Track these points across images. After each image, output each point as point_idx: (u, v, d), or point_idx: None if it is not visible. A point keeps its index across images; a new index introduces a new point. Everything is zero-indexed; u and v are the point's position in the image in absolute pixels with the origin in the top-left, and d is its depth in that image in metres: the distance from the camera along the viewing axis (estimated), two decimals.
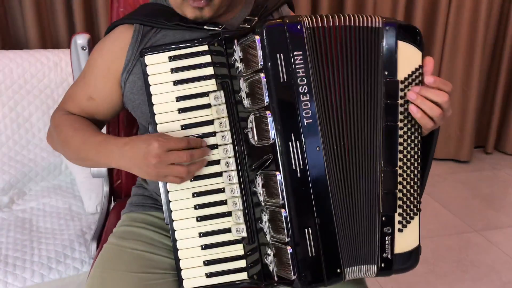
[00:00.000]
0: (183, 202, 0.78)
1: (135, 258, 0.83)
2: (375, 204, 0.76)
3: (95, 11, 1.97)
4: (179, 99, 0.78)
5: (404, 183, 0.77)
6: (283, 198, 0.71)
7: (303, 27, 0.71)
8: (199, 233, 0.78)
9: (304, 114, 0.72)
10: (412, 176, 0.77)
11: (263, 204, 0.75)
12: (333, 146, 0.73)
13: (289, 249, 0.72)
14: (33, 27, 1.85)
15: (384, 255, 0.76)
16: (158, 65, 0.78)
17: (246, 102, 0.74)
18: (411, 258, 0.79)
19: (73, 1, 1.90)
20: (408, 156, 0.76)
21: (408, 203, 0.77)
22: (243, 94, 0.74)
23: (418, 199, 0.78)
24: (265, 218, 0.75)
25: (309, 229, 0.72)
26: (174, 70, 0.78)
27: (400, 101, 0.76)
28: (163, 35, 0.86)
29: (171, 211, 0.78)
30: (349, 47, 0.74)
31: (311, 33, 0.72)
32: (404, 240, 0.77)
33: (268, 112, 0.71)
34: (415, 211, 0.78)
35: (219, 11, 0.84)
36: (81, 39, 1.10)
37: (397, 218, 0.77)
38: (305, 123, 0.71)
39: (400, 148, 0.76)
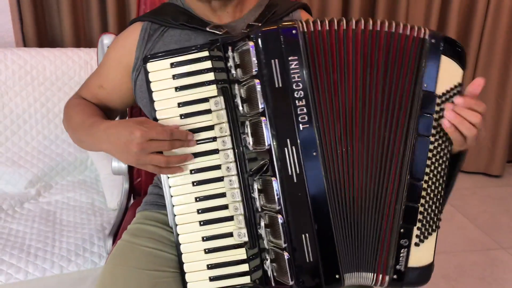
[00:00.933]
0: (186, 206, 0.79)
1: (145, 255, 0.85)
2: (388, 213, 0.75)
3: (128, 12, 2.02)
4: (181, 104, 0.79)
5: (427, 198, 0.76)
6: (279, 204, 0.72)
7: (298, 32, 0.71)
8: (202, 237, 0.79)
9: (300, 119, 0.71)
10: (436, 192, 0.76)
11: (260, 209, 0.75)
12: (334, 151, 0.73)
13: (286, 255, 0.72)
14: (69, 27, 1.92)
15: (397, 267, 0.75)
16: (160, 71, 0.79)
17: (242, 108, 0.75)
18: (424, 274, 0.77)
19: (108, 2, 1.95)
20: (435, 172, 0.76)
21: (428, 218, 0.76)
22: (239, 99, 0.75)
23: (439, 216, 0.77)
24: (263, 223, 0.75)
25: (307, 234, 0.72)
26: (175, 77, 0.79)
27: (435, 116, 0.75)
28: (170, 35, 0.90)
29: (175, 215, 0.79)
30: (372, 53, 0.73)
31: (308, 37, 0.72)
32: (420, 255, 0.76)
33: (263, 118, 0.72)
34: (434, 227, 0.77)
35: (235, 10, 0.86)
36: (107, 39, 1.14)
37: (416, 232, 0.76)
38: (301, 128, 0.71)
39: (428, 162, 0.75)
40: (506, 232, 2.08)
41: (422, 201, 0.75)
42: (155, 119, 0.79)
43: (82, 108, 0.91)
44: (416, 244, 0.76)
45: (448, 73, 0.75)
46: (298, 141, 0.71)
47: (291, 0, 0.99)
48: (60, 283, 1.23)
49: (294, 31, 0.71)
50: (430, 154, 0.75)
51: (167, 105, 0.79)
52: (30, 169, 1.60)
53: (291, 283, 0.73)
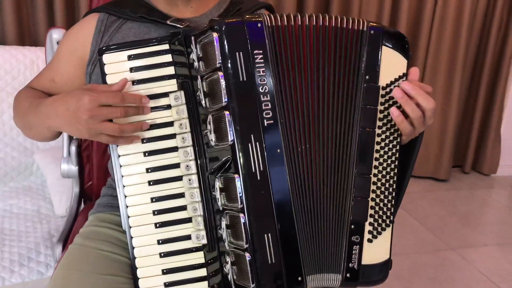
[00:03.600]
0: (141, 207, 0.75)
1: (101, 259, 0.79)
2: (344, 210, 0.73)
3: (78, 9, 1.93)
4: None
5: (378, 191, 0.74)
6: (241, 202, 0.68)
7: (263, 26, 0.70)
8: (158, 240, 0.75)
9: (264, 115, 0.69)
10: (387, 185, 0.74)
11: (221, 209, 0.72)
12: (296, 149, 0.71)
13: (248, 256, 0.69)
14: (11, 23, 1.80)
15: (350, 265, 0.73)
16: (116, 64, 0.75)
17: (204, 102, 0.72)
18: (380, 271, 0.75)
19: None
20: (385, 165, 0.74)
21: (381, 213, 0.74)
22: (202, 94, 0.72)
23: (392, 210, 0.75)
24: (224, 223, 0.72)
25: (269, 234, 0.69)
26: (133, 70, 0.75)
27: (380, 108, 0.74)
28: (128, 27, 0.86)
29: (129, 216, 0.75)
30: (323, 48, 0.72)
31: (272, 32, 0.70)
32: (374, 251, 0.74)
33: (226, 112, 0.69)
34: (388, 222, 0.75)
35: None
36: (56, 34, 1.08)
37: (368, 227, 0.74)
38: (266, 124, 0.69)
39: (377, 155, 0.73)
40: (453, 233, 2.16)
41: (373, 195, 0.74)
42: None
43: (30, 94, 0.87)
44: (369, 241, 0.74)
45: (391, 64, 0.73)
46: (263, 137, 0.69)
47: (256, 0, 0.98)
48: None
49: (259, 25, 0.70)
50: (378, 147, 0.74)
51: None
52: None
53: (252, 286, 0.69)
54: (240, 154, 0.68)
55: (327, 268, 0.73)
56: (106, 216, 0.90)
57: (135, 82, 0.75)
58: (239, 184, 0.69)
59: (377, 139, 0.74)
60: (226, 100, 0.69)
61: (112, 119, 0.70)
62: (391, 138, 0.74)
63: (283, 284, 0.70)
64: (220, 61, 0.68)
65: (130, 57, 0.75)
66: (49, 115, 0.75)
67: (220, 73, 0.69)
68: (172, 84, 0.75)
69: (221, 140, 0.70)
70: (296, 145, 0.71)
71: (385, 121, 0.74)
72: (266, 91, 0.69)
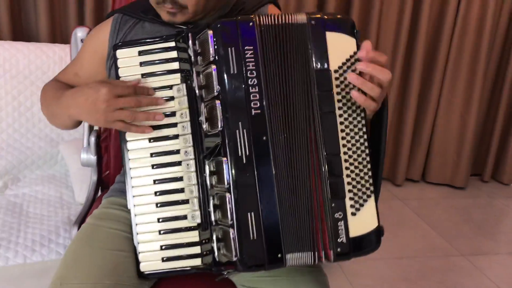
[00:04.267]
0: (144, 188, 0.83)
1: (111, 236, 0.87)
2: (316, 191, 0.77)
3: (106, 10, 2.04)
4: None
5: (352, 167, 0.78)
6: (228, 183, 0.76)
7: (255, 25, 0.77)
8: (158, 219, 0.82)
9: (252, 105, 0.76)
10: (360, 160, 0.78)
11: (210, 188, 0.80)
12: (279, 136, 0.77)
13: (232, 232, 0.76)
14: (45, 22, 1.92)
15: (339, 240, 0.77)
16: (128, 58, 0.83)
17: (201, 94, 0.80)
18: (371, 239, 0.79)
19: None
20: (353, 141, 0.78)
21: (360, 186, 0.78)
22: (198, 86, 0.80)
23: (371, 181, 0.79)
24: (213, 203, 0.79)
25: (252, 213, 0.75)
26: (142, 64, 0.83)
27: (337, 90, 0.78)
28: (142, 27, 0.96)
29: (133, 196, 0.83)
30: (285, 44, 0.78)
31: (263, 30, 0.77)
32: (360, 223, 0.78)
33: (218, 102, 0.76)
34: (369, 193, 0.79)
35: (194, 18, 0.92)
36: (80, 32, 1.16)
37: (349, 202, 0.78)
38: (253, 113, 0.76)
39: (343, 134, 0.78)
40: (466, 241, 2.15)
41: (348, 172, 0.78)
42: None
43: (55, 86, 0.97)
44: (353, 214, 0.78)
45: (339, 46, 0.77)
46: (250, 125, 0.76)
47: None
48: (23, 273, 1.22)
49: (251, 24, 0.77)
50: (342, 126, 0.78)
51: None
52: None
53: (234, 259, 0.76)
54: (229, 139, 0.76)
55: (303, 247, 0.77)
56: (117, 199, 0.97)
57: (144, 75, 0.83)
58: (226, 166, 0.76)
59: (340, 119, 0.78)
60: (217, 90, 0.76)
61: (126, 107, 0.79)
62: (355, 115, 0.78)
63: (264, 260, 0.76)
64: (214, 56, 0.76)
65: (140, 53, 0.83)
66: (70, 105, 0.84)
67: (214, 66, 0.76)
68: (176, 78, 0.83)
69: (213, 127, 0.78)
70: (280, 133, 0.77)
71: (344, 101, 0.78)
72: (255, 83, 0.76)
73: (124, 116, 0.79)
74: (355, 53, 0.78)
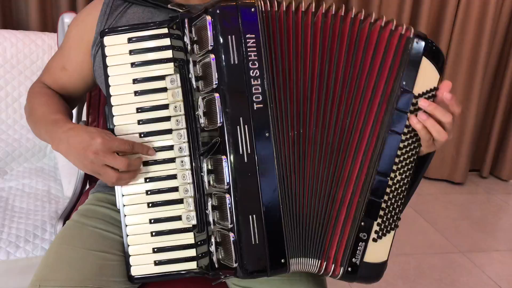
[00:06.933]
0: (135, 187, 0.77)
1: (94, 236, 0.82)
2: (349, 204, 0.74)
3: None
4: (136, 81, 0.76)
5: (391, 195, 0.75)
6: (228, 183, 0.69)
7: (257, 10, 0.70)
8: (150, 220, 0.76)
9: (254, 99, 0.70)
10: (400, 190, 0.76)
11: (208, 189, 0.73)
12: (286, 134, 0.71)
13: (232, 236, 0.70)
14: (35, 10, 1.86)
15: (353, 260, 0.75)
16: (116, 46, 0.76)
17: (197, 86, 0.73)
18: (378, 271, 0.77)
19: None
20: (401, 170, 0.76)
21: (389, 216, 0.76)
22: (194, 77, 0.73)
23: (399, 215, 0.77)
24: (210, 203, 0.73)
25: (254, 216, 0.70)
26: (132, 52, 0.76)
27: (409, 115, 0.75)
28: (133, 12, 0.88)
29: (123, 195, 0.77)
30: (333, 41, 0.73)
31: (267, 17, 0.71)
32: (376, 251, 0.76)
33: (217, 95, 0.70)
34: (393, 225, 0.77)
35: None
36: (68, 18, 1.11)
37: (375, 227, 0.75)
38: (255, 108, 0.70)
39: (396, 160, 0.75)
40: (464, 237, 2.12)
41: (386, 197, 0.75)
42: (109, 95, 0.77)
43: (46, 100, 0.87)
44: (374, 240, 0.75)
45: (426, 75, 0.75)
46: (251, 120, 0.69)
47: None
48: (7, 270, 1.17)
49: (253, 9, 0.70)
50: (399, 152, 0.75)
51: (121, 81, 0.77)
52: None
53: (234, 265, 0.70)
54: (228, 136, 0.69)
55: (310, 253, 0.74)
56: (104, 195, 0.92)
57: (134, 65, 0.76)
58: (226, 165, 0.69)
59: (400, 144, 0.75)
60: (216, 82, 0.69)
61: (113, 167, 0.72)
62: (412, 146, 0.76)
63: (266, 265, 0.70)
64: (212, 44, 0.69)
65: (130, 40, 0.77)
66: (61, 140, 0.75)
67: (212, 56, 0.69)
68: (169, 68, 0.76)
69: (211, 122, 0.72)
70: (288, 130, 0.71)
71: (410, 128, 0.76)
72: (257, 75, 0.70)
73: (108, 176, 0.72)
74: (435, 88, 0.76)
